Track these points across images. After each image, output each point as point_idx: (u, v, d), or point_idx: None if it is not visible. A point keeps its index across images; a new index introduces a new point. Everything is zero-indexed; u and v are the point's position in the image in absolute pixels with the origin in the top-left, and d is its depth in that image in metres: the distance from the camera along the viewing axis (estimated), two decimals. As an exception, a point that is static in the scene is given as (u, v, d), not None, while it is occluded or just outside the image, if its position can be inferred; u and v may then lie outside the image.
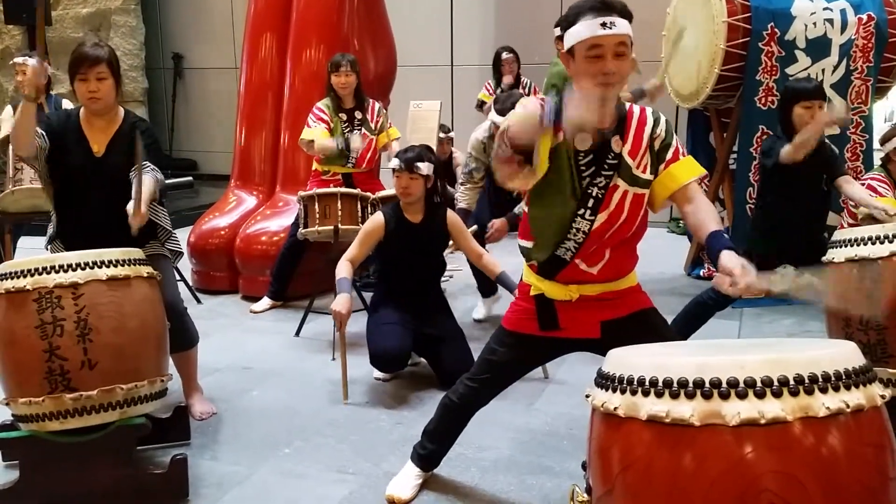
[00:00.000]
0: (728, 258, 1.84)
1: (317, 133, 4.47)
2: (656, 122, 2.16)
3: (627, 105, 2.17)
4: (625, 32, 1.97)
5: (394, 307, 3.52)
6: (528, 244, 2.26)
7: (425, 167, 3.41)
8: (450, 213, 3.59)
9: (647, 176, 2.15)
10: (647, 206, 2.20)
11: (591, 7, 1.96)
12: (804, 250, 3.39)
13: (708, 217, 2.07)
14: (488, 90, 6.87)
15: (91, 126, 2.92)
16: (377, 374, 3.62)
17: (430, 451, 2.60)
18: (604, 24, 1.94)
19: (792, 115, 3.49)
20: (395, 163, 3.47)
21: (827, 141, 3.69)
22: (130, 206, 2.65)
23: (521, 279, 2.36)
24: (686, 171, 2.16)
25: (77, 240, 2.83)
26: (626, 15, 1.99)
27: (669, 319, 3.67)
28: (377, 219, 3.53)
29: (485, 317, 4.46)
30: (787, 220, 3.57)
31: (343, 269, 3.40)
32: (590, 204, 2.12)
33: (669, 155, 2.15)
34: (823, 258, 2.90)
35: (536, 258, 2.24)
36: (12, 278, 2.43)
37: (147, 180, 2.74)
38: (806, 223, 3.57)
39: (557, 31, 4.60)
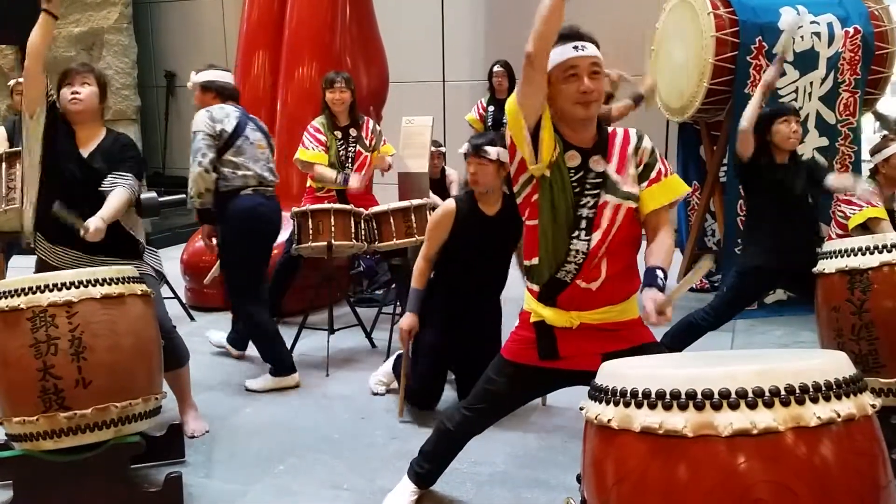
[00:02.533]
0: (649, 293, 1.97)
1: (315, 157, 4.48)
2: (640, 139, 2.24)
3: (610, 129, 2.24)
4: (596, 54, 2.11)
5: (442, 322, 3.27)
6: (532, 262, 2.26)
7: (494, 152, 3.09)
8: None
9: (635, 190, 2.20)
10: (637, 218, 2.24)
11: (562, 36, 2.10)
12: (797, 266, 3.42)
13: (659, 251, 2.14)
14: (479, 108, 6.84)
15: (77, 135, 2.94)
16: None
17: (427, 471, 2.60)
18: (576, 48, 2.09)
19: (771, 134, 3.53)
20: (464, 147, 3.19)
21: (816, 154, 3.75)
22: (91, 221, 2.66)
23: (522, 307, 2.36)
24: (667, 192, 2.22)
25: (56, 229, 2.84)
26: (594, 42, 2.13)
27: (660, 333, 3.70)
28: (448, 206, 3.22)
29: None
30: (774, 233, 3.59)
31: (418, 277, 3.22)
32: (582, 225, 2.16)
33: (653, 174, 2.22)
34: (814, 269, 2.92)
35: (538, 280, 2.24)
36: (6, 297, 2.43)
37: (120, 193, 2.81)
38: (793, 235, 3.58)
39: None
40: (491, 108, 6.71)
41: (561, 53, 2.09)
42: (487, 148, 3.10)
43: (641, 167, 2.21)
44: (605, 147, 2.19)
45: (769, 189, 3.58)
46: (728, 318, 3.80)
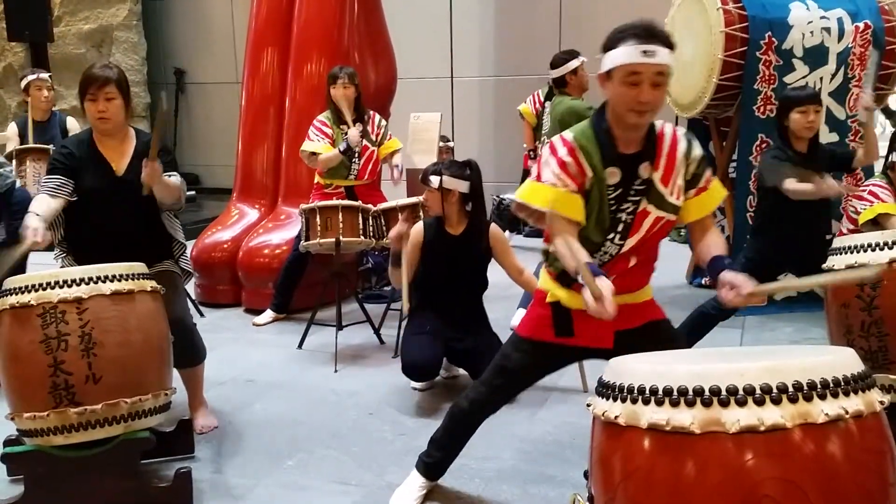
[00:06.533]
0: (729, 273, 1.93)
1: (320, 147, 4.50)
2: (689, 145, 2.16)
3: (659, 126, 2.15)
4: (665, 62, 1.98)
5: (430, 316, 3.52)
6: (552, 248, 2.23)
7: (436, 181, 3.38)
8: (493, 227, 3.53)
9: (679, 202, 2.16)
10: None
11: (635, 33, 1.98)
12: (806, 256, 3.42)
13: (716, 245, 2.13)
14: (536, 101, 6.57)
15: (105, 146, 2.93)
16: (413, 384, 3.63)
17: (436, 460, 2.60)
18: (645, 52, 1.95)
19: (788, 121, 3.53)
20: (421, 176, 3.52)
21: (822, 143, 3.74)
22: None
23: (538, 285, 2.38)
24: (712, 200, 2.20)
25: (94, 258, 2.85)
26: (669, 45, 2.00)
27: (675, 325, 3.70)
28: (416, 229, 3.53)
29: None
30: (787, 226, 3.58)
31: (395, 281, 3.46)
32: (619, 229, 2.15)
33: (702, 182, 2.18)
34: (823, 265, 2.91)
35: (557, 265, 2.25)
36: (16, 294, 2.44)
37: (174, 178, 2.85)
38: (806, 228, 3.58)
39: (571, 65, 4.43)
40: (548, 103, 6.44)
41: (628, 55, 1.96)
42: (431, 177, 3.39)
43: (690, 177, 2.16)
44: (653, 151, 2.12)
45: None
46: (737, 308, 3.80)
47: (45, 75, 4.85)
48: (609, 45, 2.03)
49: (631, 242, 2.15)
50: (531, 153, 6.55)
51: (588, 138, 2.12)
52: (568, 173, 2.09)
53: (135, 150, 2.95)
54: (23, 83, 4.95)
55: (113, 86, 2.85)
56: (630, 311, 2.25)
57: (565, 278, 2.24)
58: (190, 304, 4.90)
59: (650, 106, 2.00)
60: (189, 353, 3.00)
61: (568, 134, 2.15)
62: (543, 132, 4.60)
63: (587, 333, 2.24)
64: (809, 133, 3.54)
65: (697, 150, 2.17)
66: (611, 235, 2.15)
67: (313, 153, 4.52)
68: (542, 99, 6.41)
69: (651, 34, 1.97)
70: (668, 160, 2.13)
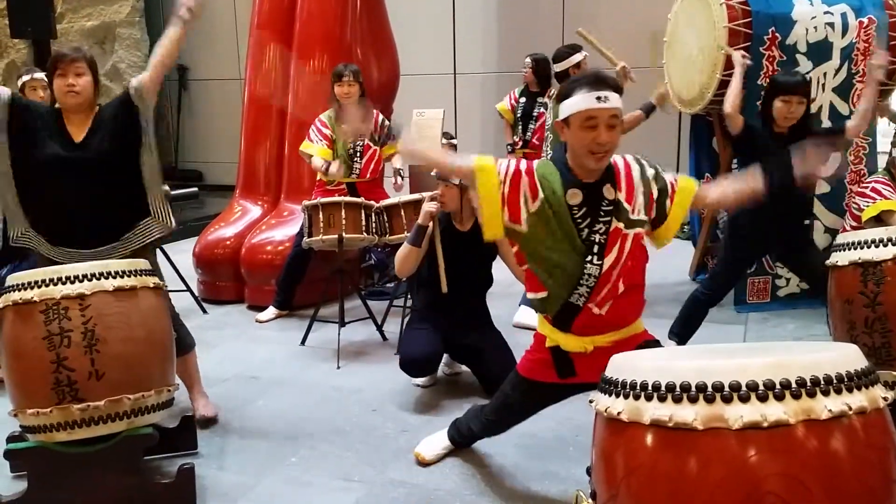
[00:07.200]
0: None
1: (315, 150, 4.51)
2: (641, 165, 2.33)
3: (611, 158, 2.30)
4: (617, 106, 2.16)
5: (433, 313, 3.52)
6: (539, 295, 2.36)
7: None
8: None
9: (643, 217, 2.30)
10: (651, 240, 2.38)
11: (587, 82, 2.17)
12: (783, 239, 3.49)
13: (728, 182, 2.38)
14: (512, 98, 6.63)
15: (70, 122, 2.87)
16: (415, 380, 3.62)
17: (461, 438, 2.87)
18: (598, 98, 2.13)
19: (772, 105, 3.55)
20: (434, 171, 3.47)
21: (814, 127, 3.79)
22: None
23: (537, 328, 2.49)
24: (686, 190, 2.37)
25: (54, 229, 2.82)
26: (618, 90, 2.18)
27: (666, 328, 3.74)
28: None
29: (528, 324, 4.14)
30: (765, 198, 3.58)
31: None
32: (595, 250, 2.25)
33: (670, 189, 2.34)
34: (827, 262, 2.90)
35: (550, 310, 2.35)
36: (19, 290, 2.45)
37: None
38: (782, 201, 3.49)
39: (574, 59, 4.46)
40: (522, 100, 6.52)
41: (583, 102, 2.15)
42: None
43: (657, 194, 2.31)
44: (612, 176, 2.27)
45: (762, 156, 3.57)
46: (726, 287, 3.92)
47: (39, 75, 4.83)
48: (564, 95, 2.22)
49: (608, 261, 2.25)
50: (508, 147, 6.61)
51: (549, 169, 2.28)
52: (517, 181, 2.25)
53: (96, 117, 2.88)
54: (19, 83, 4.94)
55: (82, 61, 2.84)
56: (621, 345, 2.36)
57: (561, 322, 2.36)
58: (193, 301, 4.94)
59: (607, 147, 2.17)
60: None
61: (533, 163, 2.32)
62: (547, 126, 4.61)
63: (586, 371, 2.36)
64: (788, 123, 3.57)
65: (650, 169, 2.34)
66: (588, 257, 2.25)
67: (309, 154, 4.54)
68: (517, 96, 6.50)
69: (601, 82, 2.17)
70: (627, 181, 2.28)
